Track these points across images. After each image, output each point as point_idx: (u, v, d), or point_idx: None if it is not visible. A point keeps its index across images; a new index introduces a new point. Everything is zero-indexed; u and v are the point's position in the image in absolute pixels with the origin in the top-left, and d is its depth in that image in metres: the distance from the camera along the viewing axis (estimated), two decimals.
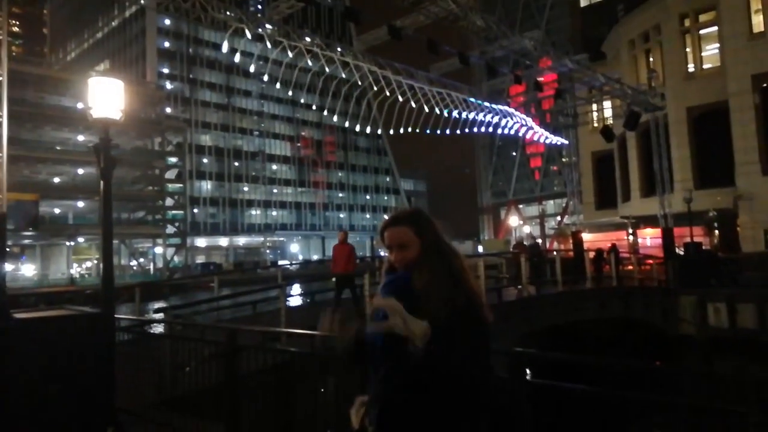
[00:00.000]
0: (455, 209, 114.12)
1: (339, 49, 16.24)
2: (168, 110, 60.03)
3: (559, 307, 14.26)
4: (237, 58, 16.28)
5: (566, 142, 25.81)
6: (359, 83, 17.34)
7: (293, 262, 61.93)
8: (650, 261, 21.08)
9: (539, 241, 46.62)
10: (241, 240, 75.31)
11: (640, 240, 31.18)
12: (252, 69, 53.00)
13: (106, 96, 5.17)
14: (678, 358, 15.77)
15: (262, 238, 75.53)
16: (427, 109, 18.99)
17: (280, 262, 50.39)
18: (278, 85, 39.63)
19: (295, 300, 16.46)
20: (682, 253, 22.18)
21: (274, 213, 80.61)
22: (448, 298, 1.60)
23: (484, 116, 21.01)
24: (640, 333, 16.18)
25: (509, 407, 2.84)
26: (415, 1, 15.29)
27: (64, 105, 43.04)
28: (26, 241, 44.48)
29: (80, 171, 45.04)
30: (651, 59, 34.76)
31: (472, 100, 20.20)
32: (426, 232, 1.76)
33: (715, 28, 31.11)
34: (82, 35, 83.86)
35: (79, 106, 37.84)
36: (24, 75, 38.09)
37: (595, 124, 32.18)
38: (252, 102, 79.79)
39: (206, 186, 73.13)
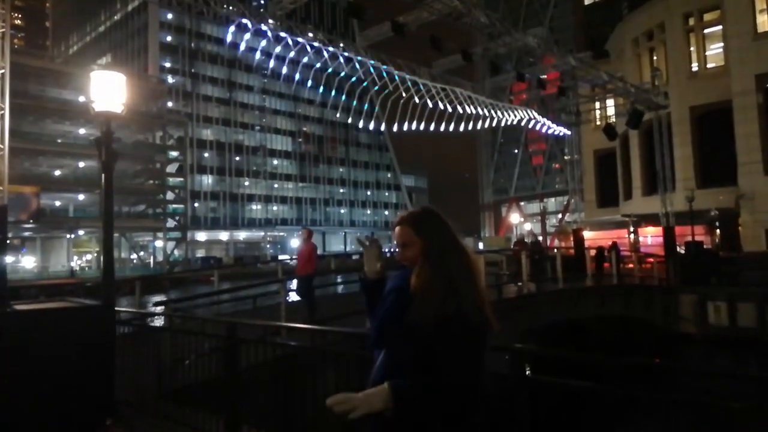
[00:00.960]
0: (456, 206, 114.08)
1: (342, 45, 16.19)
2: (169, 104, 60.01)
3: (559, 304, 14.26)
4: (243, 46, 16.16)
5: (569, 132, 25.71)
6: (362, 78, 17.30)
7: (293, 257, 61.81)
8: (651, 259, 21.08)
9: (540, 238, 46.63)
10: (242, 234, 75.36)
11: (641, 238, 31.15)
12: (256, 59, 52.84)
13: (107, 89, 5.17)
14: (678, 357, 15.78)
15: (263, 233, 75.57)
16: (430, 105, 18.94)
17: (281, 257, 50.41)
18: (281, 80, 39.55)
19: (295, 295, 16.48)
20: (683, 251, 22.17)
21: (275, 208, 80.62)
22: (439, 303, 1.63)
23: (488, 112, 20.95)
24: (640, 331, 16.19)
25: (509, 404, 2.84)
26: None
27: (65, 98, 43.00)
28: (27, 234, 44.53)
29: (81, 164, 45.05)
30: (655, 58, 34.63)
31: (478, 97, 20.14)
32: (426, 233, 1.78)
33: (720, 27, 30.98)
34: (85, 28, 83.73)
35: (81, 99, 37.83)
36: (26, 68, 38.00)
37: (598, 122, 32.07)
38: (254, 97, 79.67)
39: (207, 180, 73.14)
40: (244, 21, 13.41)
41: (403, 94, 18.26)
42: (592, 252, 18.29)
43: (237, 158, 76.47)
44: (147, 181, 51.62)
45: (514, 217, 77.82)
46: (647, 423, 2.66)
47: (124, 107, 5.25)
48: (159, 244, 50.78)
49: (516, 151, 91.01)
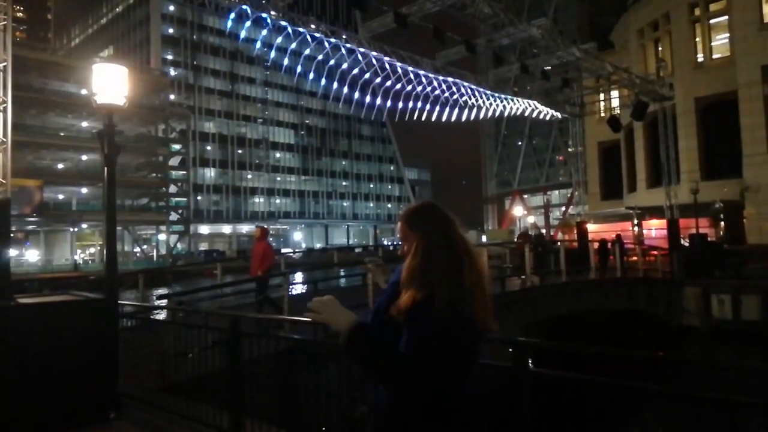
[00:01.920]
0: (459, 198, 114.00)
1: (344, 37, 16.09)
2: (172, 97, 59.89)
3: (562, 297, 14.25)
4: (243, 33, 16.05)
5: (573, 116, 25.52)
6: (365, 69, 17.20)
7: (296, 250, 62.09)
8: (655, 252, 21.00)
9: (543, 231, 46.57)
10: (244, 227, 75.52)
11: (645, 231, 31.05)
12: (257, 51, 52.57)
13: (110, 82, 5.14)
14: (681, 350, 15.76)
15: (266, 226, 75.71)
16: (432, 97, 18.86)
17: (283, 250, 50.46)
18: (282, 72, 39.35)
19: (297, 288, 16.53)
20: (687, 244, 22.08)
21: (278, 201, 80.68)
22: (411, 295, 1.66)
23: (491, 103, 20.84)
24: (643, 324, 16.17)
25: (512, 397, 2.83)
26: None
27: (68, 91, 42.98)
28: (30, 227, 44.70)
29: (84, 157, 45.11)
30: (660, 48, 34.36)
31: (480, 89, 20.02)
32: (418, 229, 1.78)
33: (726, 17, 30.68)
34: (86, 21, 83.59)
35: (83, 92, 37.77)
36: (28, 60, 37.97)
37: (602, 114, 31.88)
38: (256, 89, 79.51)
39: (210, 173, 73.19)
40: (244, 7, 13.32)
41: (407, 86, 18.18)
42: (596, 245, 18.23)
43: (239, 151, 76.45)
44: (150, 174, 51.68)
45: (518, 210, 77.69)
46: (651, 416, 2.65)
47: (126, 100, 5.23)
48: (162, 237, 50.91)
49: (519, 143, 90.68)
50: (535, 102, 22.26)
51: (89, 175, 44.28)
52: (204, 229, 71.44)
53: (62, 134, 44.58)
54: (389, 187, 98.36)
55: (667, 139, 23.45)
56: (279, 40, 15.40)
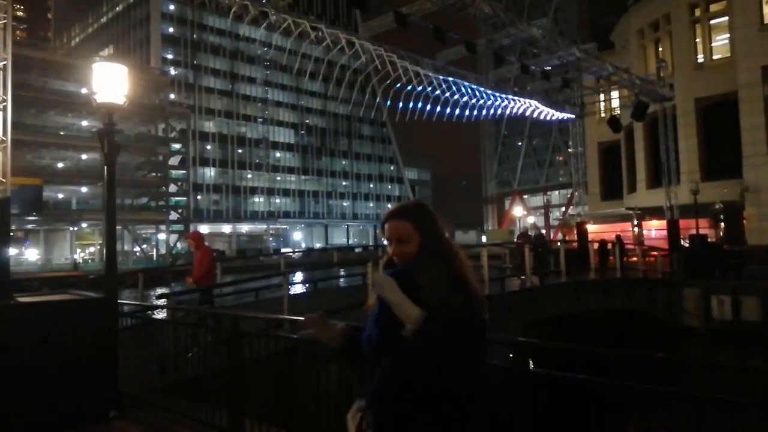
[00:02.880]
0: (459, 199, 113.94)
1: (344, 36, 16.09)
2: (172, 96, 59.87)
3: (562, 297, 14.26)
4: (243, 30, 16.08)
5: (572, 116, 25.46)
6: (364, 67, 17.20)
7: (296, 250, 62.11)
8: (655, 253, 21.00)
9: (543, 231, 46.59)
10: (244, 227, 75.52)
11: (645, 231, 31.06)
12: (258, 48, 52.56)
13: (110, 81, 5.14)
14: (681, 350, 15.76)
15: (265, 226, 75.68)
16: (432, 96, 18.85)
17: (283, 250, 50.49)
18: (283, 72, 39.36)
19: (297, 287, 16.52)
20: (687, 245, 22.09)
21: (278, 201, 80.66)
22: (448, 298, 1.58)
23: (491, 102, 20.82)
24: (643, 324, 16.17)
25: (512, 397, 2.83)
26: None
27: (68, 90, 42.95)
28: (30, 226, 44.66)
29: (84, 156, 45.07)
30: (660, 49, 34.37)
31: (480, 88, 20.01)
32: (427, 228, 1.72)
33: (726, 18, 30.70)
34: (87, 20, 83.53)
35: (83, 91, 37.75)
36: (28, 59, 37.95)
37: (602, 115, 31.89)
38: (256, 89, 79.47)
39: (209, 173, 73.16)
40: (245, 2, 13.32)
41: (407, 86, 18.17)
42: (596, 245, 18.23)
43: (239, 150, 76.42)
44: (150, 173, 51.66)
45: (518, 210, 77.66)
46: (651, 416, 2.64)
47: (126, 99, 5.23)
48: (162, 236, 50.90)
49: (520, 143, 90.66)
50: (536, 102, 22.26)
51: (89, 174, 44.25)
52: (204, 228, 71.34)
53: (62, 133, 44.54)
54: (389, 187, 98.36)
55: (667, 140, 23.45)
56: (279, 39, 15.39)
